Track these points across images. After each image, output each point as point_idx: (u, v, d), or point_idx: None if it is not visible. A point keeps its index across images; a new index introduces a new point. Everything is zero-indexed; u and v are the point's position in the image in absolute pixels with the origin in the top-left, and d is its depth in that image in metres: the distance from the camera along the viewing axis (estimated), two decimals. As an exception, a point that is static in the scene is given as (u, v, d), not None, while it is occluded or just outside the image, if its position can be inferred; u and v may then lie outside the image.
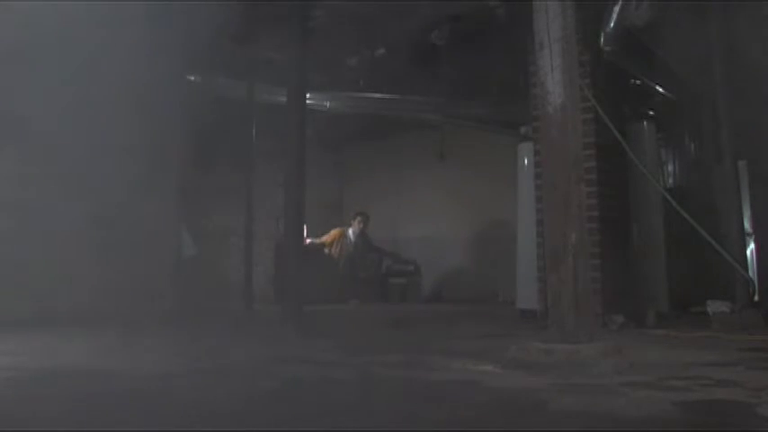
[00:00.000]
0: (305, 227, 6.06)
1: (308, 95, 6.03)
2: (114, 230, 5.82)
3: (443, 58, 6.53)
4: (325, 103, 7.65)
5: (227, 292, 7.77)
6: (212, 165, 8.09)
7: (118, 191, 5.75)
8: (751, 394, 2.36)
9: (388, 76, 7.11)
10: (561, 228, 3.11)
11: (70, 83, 5.50)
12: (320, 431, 2.04)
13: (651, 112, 6.20)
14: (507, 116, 7.29)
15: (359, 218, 9.52)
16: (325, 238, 9.53)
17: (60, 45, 5.26)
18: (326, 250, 9.46)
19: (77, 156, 5.66)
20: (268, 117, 6.76)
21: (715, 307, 5.04)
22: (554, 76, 3.21)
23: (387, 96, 7.76)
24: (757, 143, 5.83)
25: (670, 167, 7.40)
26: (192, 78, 7.26)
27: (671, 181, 7.34)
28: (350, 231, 9.54)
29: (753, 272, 5.83)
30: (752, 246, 6.18)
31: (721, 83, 5.57)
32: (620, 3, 4.97)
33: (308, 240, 8.40)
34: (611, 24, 5.07)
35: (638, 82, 6.02)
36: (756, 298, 5.23)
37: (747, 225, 6.12)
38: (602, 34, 5.14)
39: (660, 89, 6.19)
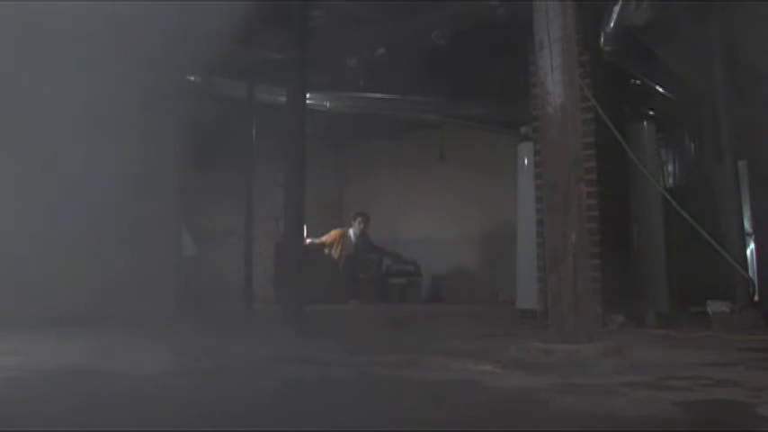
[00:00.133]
0: (305, 227, 6.06)
1: (308, 95, 6.03)
2: (114, 230, 5.82)
3: (443, 58, 6.53)
4: (325, 103, 7.64)
5: (227, 292, 7.77)
6: (212, 165, 8.10)
7: (118, 191, 5.75)
8: (751, 394, 2.36)
9: (388, 76, 7.10)
10: (561, 228, 3.11)
11: (70, 83, 5.50)
12: (320, 431, 2.04)
13: (651, 112, 6.21)
14: (507, 116, 7.29)
15: (359, 218, 9.53)
16: (326, 238, 9.53)
17: (60, 45, 5.25)
18: (327, 250, 9.46)
19: (77, 156, 5.66)
20: (268, 117, 6.76)
21: (715, 307, 5.04)
22: (554, 76, 3.21)
23: (387, 96, 7.75)
24: (757, 143, 5.83)
25: (670, 167, 7.41)
26: (192, 78, 7.26)
27: (671, 181, 7.35)
28: (351, 232, 9.54)
29: (753, 272, 5.83)
30: (752, 246, 6.19)
31: (721, 83, 5.57)
32: (620, 3, 4.97)
33: (308, 240, 8.40)
34: (611, 24, 5.07)
35: (638, 82, 6.02)
36: (756, 298, 5.24)
37: (747, 225, 6.12)
38: (602, 34, 5.14)
39: (660, 89, 6.19)
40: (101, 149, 5.76)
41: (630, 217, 5.56)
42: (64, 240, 5.56)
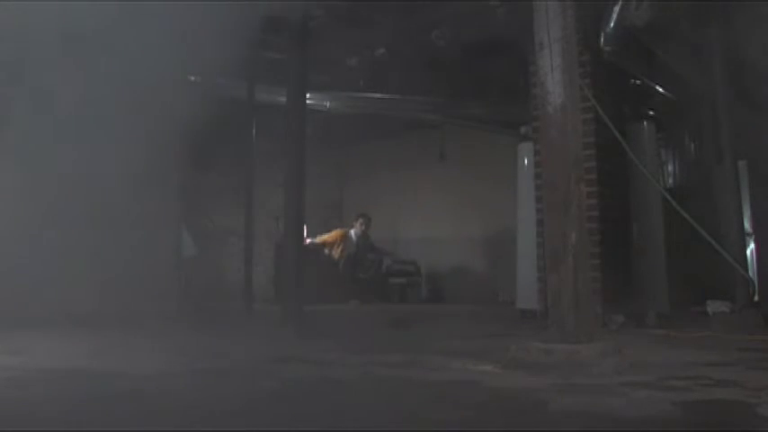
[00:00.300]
0: (305, 227, 6.06)
1: (308, 95, 6.03)
2: (114, 230, 5.82)
3: (443, 58, 6.53)
4: (325, 103, 7.64)
5: (227, 292, 7.77)
6: (212, 165, 8.09)
7: (118, 191, 5.75)
8: (751, 394, 2.36)
9: (388, 76, 7.10)
10: (561, 228, 3.11)
11: (69, 82, 5.50)
12: (320, 431, 2.04)
13: (651, 112, 6.20)
14: (507, 116, 7.28)
15: (361, 219, 9.52)
16: (326, 237, 9.53)
17: (59, 45, 5.25)
18: (327, 251, 9.46)
19: (77, 155, 5.66)
20: (268, 117, 6.75)
21: (715, 307, 5.05)
22: (554, 76, 3.21)
23: (387, 96, 7.75)
24: (757, 143, 5.83)
25: (670, 167, 7.40)
26: (192, 78, 7.25)
27: (671, 181, 7.34)
28: (352, 232, 9.53)
29: (753, 272, 5.83)
30: (752, 246, 6.19)
31: (721, 83, 5.58)
32: (620, 3, 4.98)
33: (308, 240, 8.40)
34: (611, 24, 5.07)
35: (638, 82, 6.02)
36: (756, 298, 5.24)
37: (747, 225, 6.12)
38: (602, 34, 5.14)
39: (660, 89, 6.19)
40: (101, 149, 5.75)
41: (630, 217, 5.56)
42: (64, 240, 5.56)
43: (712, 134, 5.77)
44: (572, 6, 3.30)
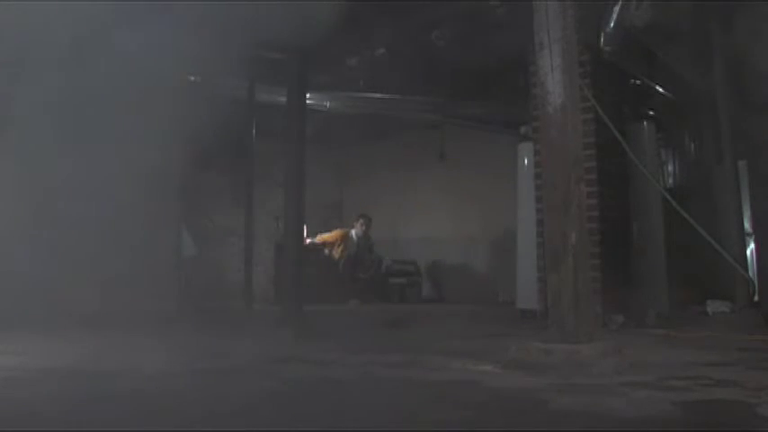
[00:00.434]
0: (305, 227, 6.06)
1: (308, 95, 6.03)
2: (114, 231, 5.82)
3: (443, 58, 6.53)
4: (325, 103, 7.64)
5: (227, 292, 7.77)
6: (212, 165, 8.09)
7: (118, 191, 5.75)
8: (751, 394, 2.36)
9: (388, 76, 7.10)
10: (561, 228, 3.11)
11: (71, 83, 5.50)
12: (320, 431, 2.04)
13: (651, 112, 6.21)
14: (507, 116, 7.29)
15: (361, 220, 9.52)
16: (327, 237, 9.52)
17: (60, 45, 5.25)
18: (327, 251, 9.46)
19: (77, 156, 5.66)
20: (268, 117, 6.75)
21: (715, 307, 5.06)
22: (554, 76, 3.21)
23: (387, 96, 7.75)
24: (757, 143, 5.83)
25: (670, 167, 7.40)
26: (193, 78, 7.25)
27: (671, 181, 7.34)
28: (353, 233, 9.53)
29: (753, 272, 5.84)
30: (752, 246, 6.19)
31: (721, 83, 5.58)
32: (620, 3, 4.98)
33: (308, 240, 8.40)
34: (612, 24, 5.07)
35: (638, 82, 6.02)
36: (756, 298, 5.24)
37: (747, 225, 6.12)
38: (602, 34, 5.14)
39: (660, 89, 6.20)
40: (101, 149, 5.75)
41: (630, 217, 5.56)
42: (64, 240, 5.56)
43: (712, 134, 5.78)
44: (572, 6, 3.30)
